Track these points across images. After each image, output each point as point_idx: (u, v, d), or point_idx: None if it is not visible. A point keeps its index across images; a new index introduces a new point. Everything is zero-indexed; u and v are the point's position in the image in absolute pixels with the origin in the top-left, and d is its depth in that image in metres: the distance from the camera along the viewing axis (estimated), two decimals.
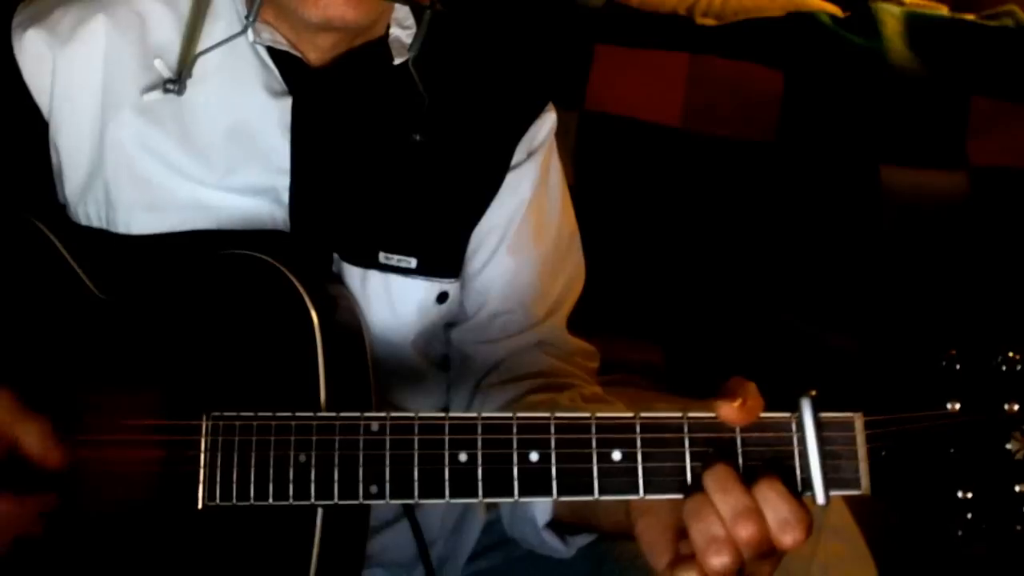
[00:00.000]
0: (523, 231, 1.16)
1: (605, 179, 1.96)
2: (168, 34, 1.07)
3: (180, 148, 1.07)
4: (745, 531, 0.76)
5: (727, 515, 0.76)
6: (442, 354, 1.21)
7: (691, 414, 0.80)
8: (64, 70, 1.06)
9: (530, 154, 1.16)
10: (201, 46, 1.06)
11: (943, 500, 0.72)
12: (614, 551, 1.12)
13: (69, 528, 0.92)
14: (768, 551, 0.77)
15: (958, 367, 0.72)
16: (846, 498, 1.48)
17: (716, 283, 1.96)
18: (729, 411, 0.78)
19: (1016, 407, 0.71)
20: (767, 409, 0.80)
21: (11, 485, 0.87)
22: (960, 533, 0.71)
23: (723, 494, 0.77)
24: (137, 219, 1.07)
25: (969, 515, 0.72)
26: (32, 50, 1.06)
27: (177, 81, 1.04)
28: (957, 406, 0.72)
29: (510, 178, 1.15)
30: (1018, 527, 0.70)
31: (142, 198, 1.07)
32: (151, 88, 1.06)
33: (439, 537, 1.23)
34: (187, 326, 0.97)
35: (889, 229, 1.92)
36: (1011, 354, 0.70)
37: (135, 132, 1.06)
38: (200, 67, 1.06)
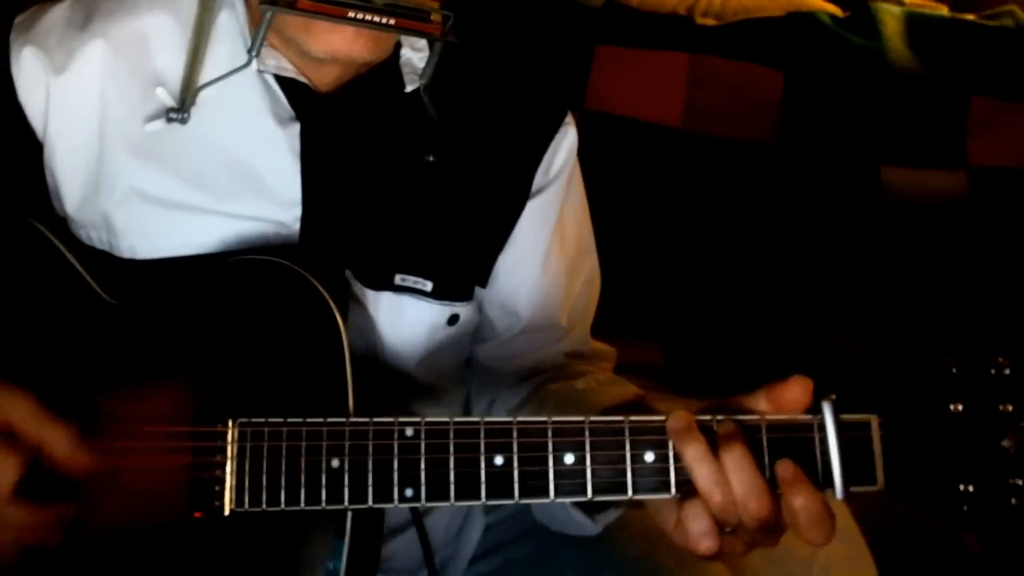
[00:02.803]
0: (552, 252, 1.19)
1: (605, 179, 1.92)
2: (171, 57, 1.07)
3: (181, 181, 1.07)
4: (757, 509, 0.83)
5: (739, 492, 0.83)
6: (455, 367, 1.23)
7: (719, 417, 0.86)
8: (58, 97, 1.06)
9: (549, 181, 1.17)
10: (205, 70, 1.06)
11: (946, 493, 0.80)
12: (615, 554, 1.17)
13: (93, 534, 0.93)
14: (777, 529, 0.85)
15: (955, 371, 0.80)
16: (847, 499, 1.54)
17: (716, 283, 2.00)
18: (799, 393, 0.85)
19: (1010, 408, 0.79)
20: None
21: (29, 493, 0.88)
22: (961, 523, 0.78)
23: (740, 473, 0.83)
24: (140, 247, 1.07)
25: (968, 506, 0.80)
26: (28, 70, 1.06)
27: (180, 110, 1.04)
28: (960, 407, 0.80)
29: (532, 205, 1.16)
30: (1011, 516, 0.78)
31: (144, 231, 1.07)
32: (154, 117, 1.05)
33: (443, 543, 1.26)
34: (207, 332, 0.98)
35: (889, 229, 1.97)
36: (1001, 360, 0.78)
37: (134, 171, 1.06)
38: (204, 93, 1.05)
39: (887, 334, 1.89)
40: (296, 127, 1.07)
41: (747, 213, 2.01)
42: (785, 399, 0.86)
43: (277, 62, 1.06)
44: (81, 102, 1.06)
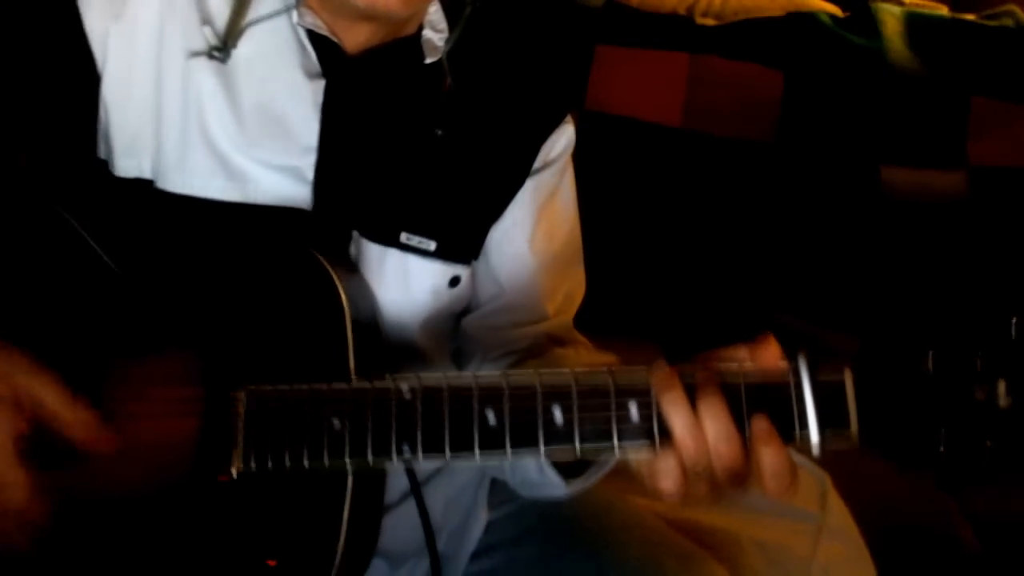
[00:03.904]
0: (539, 233, 1.25)
1: (605, 179, 2.03)
2: (221, 2, 1.14)
3: (223, 106, 1.13)
4: (727, 454, 0.88)
5: (711, 437, 0.88)
6: (450, 343, 1.28)
7: (700, 370, 0.90)
8: (121, 28, 1.12)
9: (547, 164, 1.25)
10: (248, 20, 1.13)
11: (921, 441, 0.84)
12: (617, 555, 1.20)
13: (99, 496, 0.97)
14: (742, 478, 0.90)
15: (932, 330, 0.83)
16: (846, 499, 1.56)
17: (716, 283, 2.03)
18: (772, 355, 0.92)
19: (981, 359, 0.83)
20: None
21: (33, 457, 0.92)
22: (935, 471, 0.82)
23: (714, 419, 0.89)
24: (176, 176, 1.13)
25: (943, 448, 0.84)
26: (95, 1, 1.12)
27: (223, 50, 1.12)
28: (931, 358, 0.84)
29: (530, 183, 1.23)
30: (983, 464, 0.82)
31: (183, 153, 1.13)
32: (197, 53, 1.12)
33: (441, 529, 1.29)
34: (214, 299, 1.03)
35: (889, 229, 2.00)
36: (981, 319, 0.82)
37: (185, 100, 1.13)
38: (244, 41, 1.13)
39: (886, 334, 1.90)
40: (322, 83, 1.15)
41: (747, 213, 2.04)
42: (765, 359, 0.93)
43: (314, 19, 1.14)
44: (143, 32, 1.13)
